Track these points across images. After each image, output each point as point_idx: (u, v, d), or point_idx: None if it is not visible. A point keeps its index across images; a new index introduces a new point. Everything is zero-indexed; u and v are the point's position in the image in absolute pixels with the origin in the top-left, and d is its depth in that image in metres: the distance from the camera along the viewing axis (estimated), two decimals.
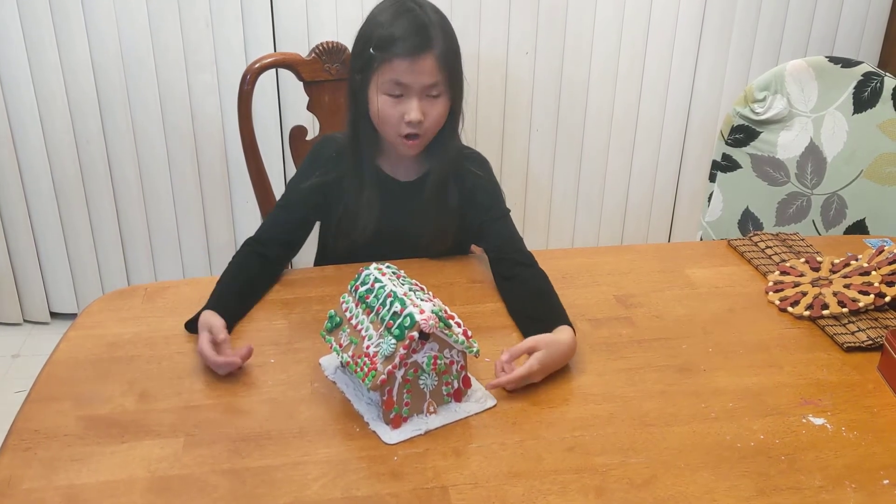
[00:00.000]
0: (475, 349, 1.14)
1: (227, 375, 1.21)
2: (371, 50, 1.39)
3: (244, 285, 1.40)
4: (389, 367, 1.06)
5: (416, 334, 1.06)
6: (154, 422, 1.12)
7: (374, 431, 1.10)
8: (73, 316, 2.61)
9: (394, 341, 1.07)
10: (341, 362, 1.18)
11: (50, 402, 1.15)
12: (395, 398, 1.10)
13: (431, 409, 1.13)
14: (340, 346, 1.15)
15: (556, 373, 1.22)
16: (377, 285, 1.14)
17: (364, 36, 1.43)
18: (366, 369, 1.08)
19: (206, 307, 1.31)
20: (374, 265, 1.19)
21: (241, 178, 2.45)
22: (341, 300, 1.20)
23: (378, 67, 1.38)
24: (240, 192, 2.53)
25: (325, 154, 1.52)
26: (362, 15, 2.35)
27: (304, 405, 1.16)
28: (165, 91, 2.36)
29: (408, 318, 1.06)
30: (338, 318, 1.18)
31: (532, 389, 1.19)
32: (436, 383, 1.12)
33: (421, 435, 1.10)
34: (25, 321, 2.64)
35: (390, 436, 1.09)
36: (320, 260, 1.66)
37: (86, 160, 2.42)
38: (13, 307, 2.59)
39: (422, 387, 1.11)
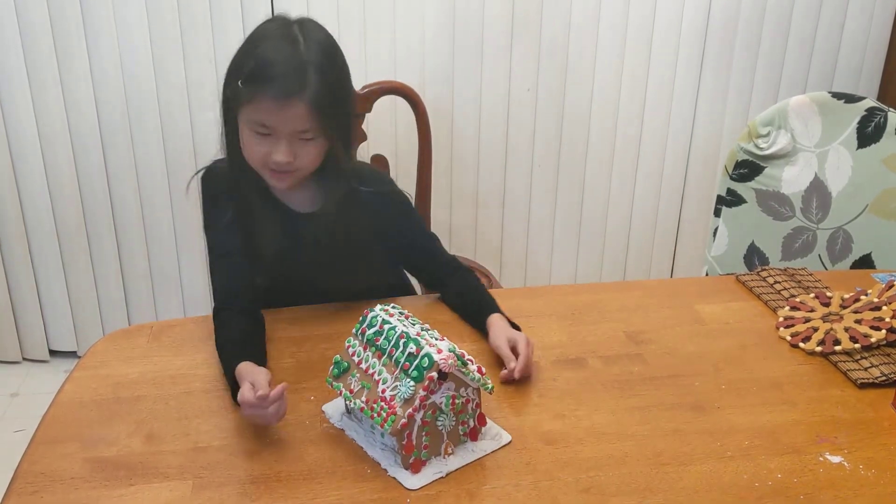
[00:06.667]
0: (490, 386, 1.13)
1: (236, 415, 1.19)
2: (239, 83, 1.27)
3: (256, 345, 1.30)
4: (409, 409, 1.05)
5: (435, 374, 1.05)
6: (162, 464, 1.10)
7: (393, 478, 1.08)
8: (72, 354, 2.60)
9: (412, 383, 1.05)
10: (351, 408, 1.16)
11: (56, 444, 1.13)
12: (414, 442, 1.08)
13: (449, 450, 1.11)
14: (351, 391, 1.13)
15: (570, 411, 1.22)
16: (386, 327, 1.12)
17: (237, 61, 1.30)
18: (384, 414, 1.06)
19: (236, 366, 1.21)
20: (379, 306, 1.17)
21: None
22: (346, 344, 1.17)
23: (245, 103, 1.27)
24: None
25: (217, 191, 1.41)
26: (364, 49, 2.38)
27: (314, 446, 1.14)
28: (168, 129, 2.36)
29: (426, 358, 1.04)
30: (345, 364, 1.16)
31: (546, 428, 1.18)
32: (453, 423, 1.11)
33: (442, 477, 1.08)
34: (24, 359, 2.61)
35: (412, 481, 1.07)
36: None
37: (87, 197, 2.41)
38: (12, 345, 2.57)
39: (440, 428, 1.10)
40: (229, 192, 1.39)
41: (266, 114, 1.25)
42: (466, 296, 1.47)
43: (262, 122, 1.26)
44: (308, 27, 1.30)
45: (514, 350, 1.29)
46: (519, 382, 1.28)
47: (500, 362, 1.32)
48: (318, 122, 1.27)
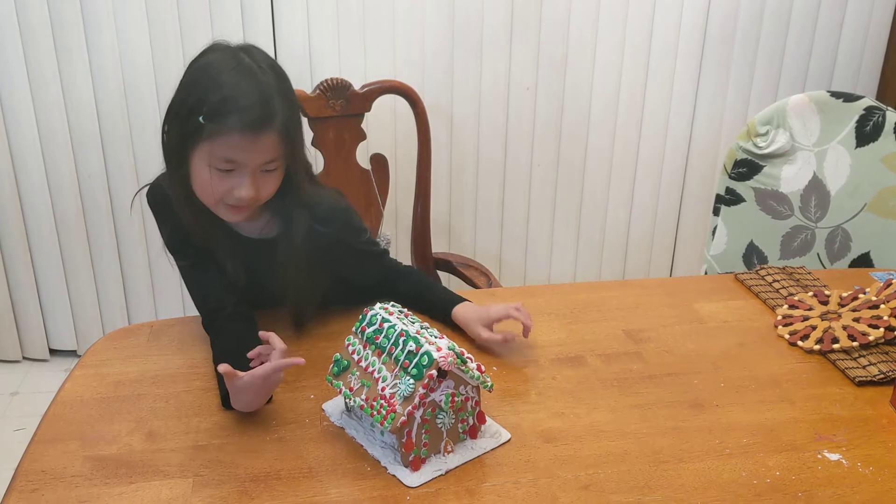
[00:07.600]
0: (489, 384, 1.13)
1: (235, 413, 1.19)
2: (200, 118, 1.19)
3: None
4: (409, 407, 1.05)
5: (434, 372, 1.05)
6: (162, 462, 1.10)
7: (393, 475, 1.08)
8: (72, 353, 2.60)
9: (412, 381, 1.05)
10: (351, 406, 1.16)
11: (56, 443, 1.14)
12: (414, 440, 1.08)
13: (449, 448, 1.11)
14: (351, 389, 1.13)
15: (569, 409, 1.22)
16: (386, 325, 1.12)
17: (193, 95, 1.21)
18: (384, 412, 1.06)
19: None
20: (378, 305, 1.17)
21: None
22: (346, 342, 1.17)
23: (207, 139, 1.19)
24: None
25: (168, 209, 1.36)
26: (364, 51, 2.39)
27: (314, 444, 1.14)
28: None
29: (425, 356, 1.05)
30: (345, 362, 1.16)
31: (545, 426, 1.18)
32: (453, 421, 1.11)
33: (442, 475, 1.09)
34: (24, 358, 2.62)
35: (411, 479, 1.07)
36: None
37: (87, 196, 2.41)
38: (12, 344, 2.57)
39: (439, 426, 1.10)
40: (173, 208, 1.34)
41: (234, 149, 1.19)
42: (421, 295, 1.45)
43: (229, 157, 1.20)
44: (254, 53, 1.25)
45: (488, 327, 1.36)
46: (517, 377, 1.29)
47: (496, 354, 1.35)
48: (285, 150, 1.24)
